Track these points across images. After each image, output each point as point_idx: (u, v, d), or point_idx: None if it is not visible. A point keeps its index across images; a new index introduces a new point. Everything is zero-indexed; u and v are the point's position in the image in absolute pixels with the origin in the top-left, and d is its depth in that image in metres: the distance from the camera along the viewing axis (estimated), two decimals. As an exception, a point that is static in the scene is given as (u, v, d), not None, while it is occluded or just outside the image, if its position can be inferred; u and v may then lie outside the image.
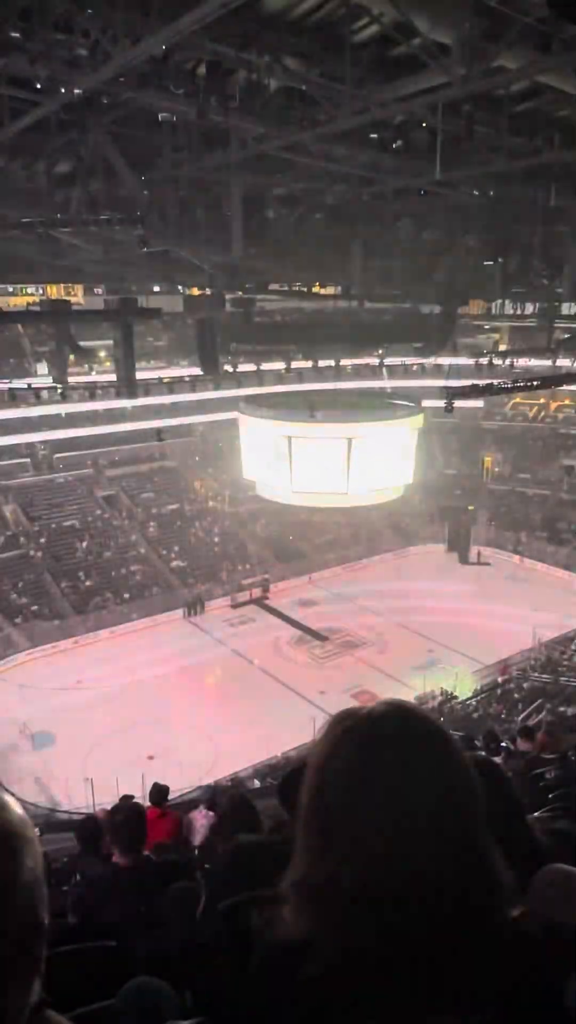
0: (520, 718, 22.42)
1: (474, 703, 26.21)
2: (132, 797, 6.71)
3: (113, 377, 16.91)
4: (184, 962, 1.90)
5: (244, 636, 32.38)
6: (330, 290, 19.21)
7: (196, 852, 5.61)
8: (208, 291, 15.52)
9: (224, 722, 25.16)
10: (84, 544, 36.84)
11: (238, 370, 22.49)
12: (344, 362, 29.27)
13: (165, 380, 20.89)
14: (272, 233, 13.90)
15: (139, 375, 16.59)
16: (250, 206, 13.19)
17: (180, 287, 18.12)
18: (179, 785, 14.70)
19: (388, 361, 29.36)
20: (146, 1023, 1.25)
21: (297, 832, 1.06)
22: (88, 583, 34.73)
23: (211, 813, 6.45)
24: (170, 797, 7.74)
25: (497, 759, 8.35)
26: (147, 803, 6.73)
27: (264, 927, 1.05)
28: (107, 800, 12.01)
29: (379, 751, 1.01)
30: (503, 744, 9.58)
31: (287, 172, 11.85)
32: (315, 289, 19.68)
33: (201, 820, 6.60)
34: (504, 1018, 0.95)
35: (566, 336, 23.19)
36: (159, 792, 7.21)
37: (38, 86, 8.37)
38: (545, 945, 1.06)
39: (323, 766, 1.05)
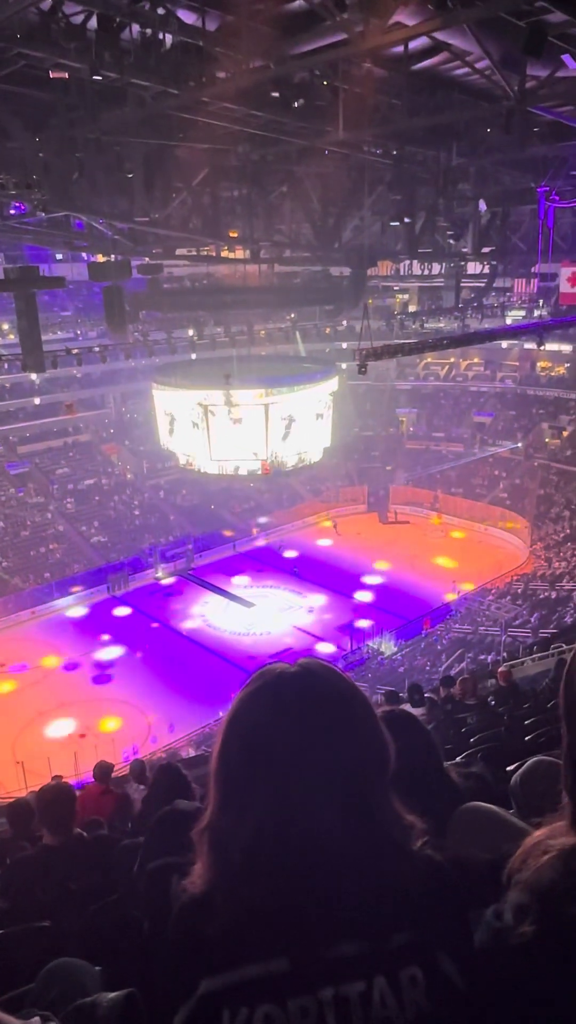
0: (443, 668, 23.25)
1: (400, 657, 26.96)
2: (61, 777, 6.64)
3: (18, 349, 16.30)
4: (113, 935, 1.91)
5: (171, 607, 32.24)
6: (239, 254, 18.95)
7: (130, 826, 5.60)
8: (113, 258, 15.06)
9: (157, 695, 25.11)
10: (-1, 524, 35.71)
11: (148, 338, 21.96)
12: (256, 327, 29.07)
13: (73, 351, 20.19)
14: (176, 196, 13.56)
15: (45, 346, 16.02)
16: (152, 167, 12.81)
17: (84, 255, 17.53)
18: (114, 761, 14.58)
19: (300, 325, 29.30)
20: (69, 1003, 1.25)
21: (208, 782, 1.11)
22: (4, 563, 33.74)
23: (142, 787, 6.45)
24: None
25: (421, 710, 8.65)
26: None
27: (181, 888, 1.08)
28: (41, 783, 11.84)
29: (282, 710, 1.06)
30: (427, 695, 9.92)
31: (188, 132, 11.53)
32: (223, 253, 19.36)
33: (134, 794, 6.60)
34: (418, 939, 1.00)
35: (471, 295, 23.65)
36: (102, 770, 7.16)
37: None
38: (457, 874, 1.12)
39: (232, 721, 1.10)
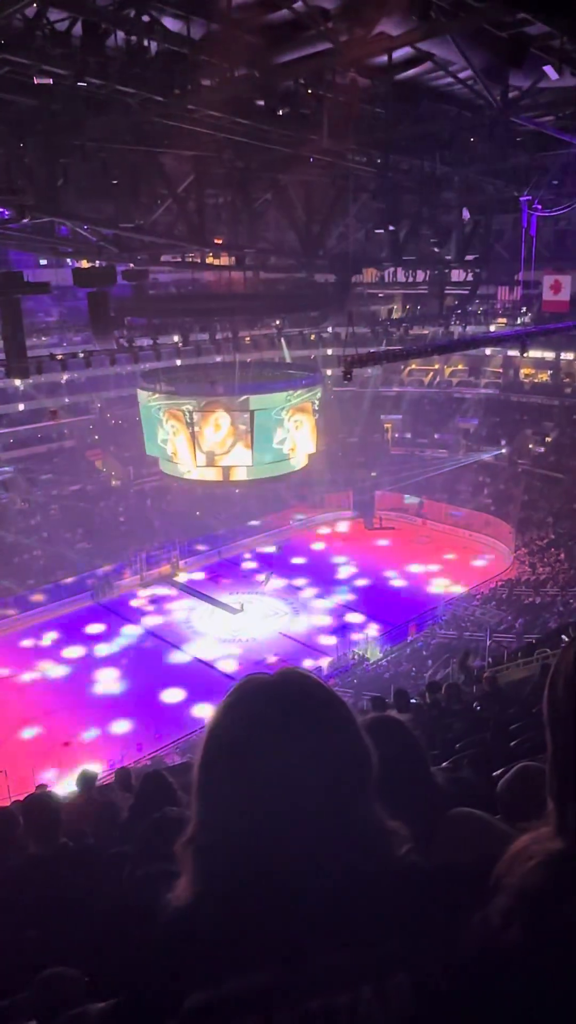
0: (428, 674, 23.29)
1: (385, 663, 26.98)
2: (46, 786, 6.59)
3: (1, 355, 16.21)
4: (100, 946, 1.90)
5: (156, 614, 32.10)
6: (224, 260, 18.99)
7: (116, 834, 5.57)
8: (98, 263, 15.05)
9: (141, 701, 24.98)
10: (-18, 531, 35.41)
11: (134, 345, 21.94)
12: (242, 333, 29.11)
13: (58, 357, 20.13)
14: (162, 202, 13.58)
15: (30, 352, 15.99)
16: (138, 174, 12.83)
17: (69, 260, 17.49)
18: (99, 769, 14.49)
19: (286, 332, 29.37)
20: (59, 1012, 1.25)
21: (190, 794, 1.11)
22: (-11, 571, 33.46)
23: (128, 795, 6.41)
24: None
25: (407, 716, 8.67)
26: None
27: (165, 901, 1.08)
28: (26, 792, 11.74)
29: (262, 720, 1.07)
30: (412, 700, 9.94)
31: (174, 139, 11.55)
32: (209, 260, 19.40)
33: (120, 803, 6.56)
34: (405, 947, 1.01)
35: (455, 303, 23.81)
36: (87, 778, 7.11)
37: None
38: (444, 879, 1.12)
39: (212, 732, 1.11)
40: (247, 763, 1.04)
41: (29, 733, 23.27)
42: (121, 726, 23.62)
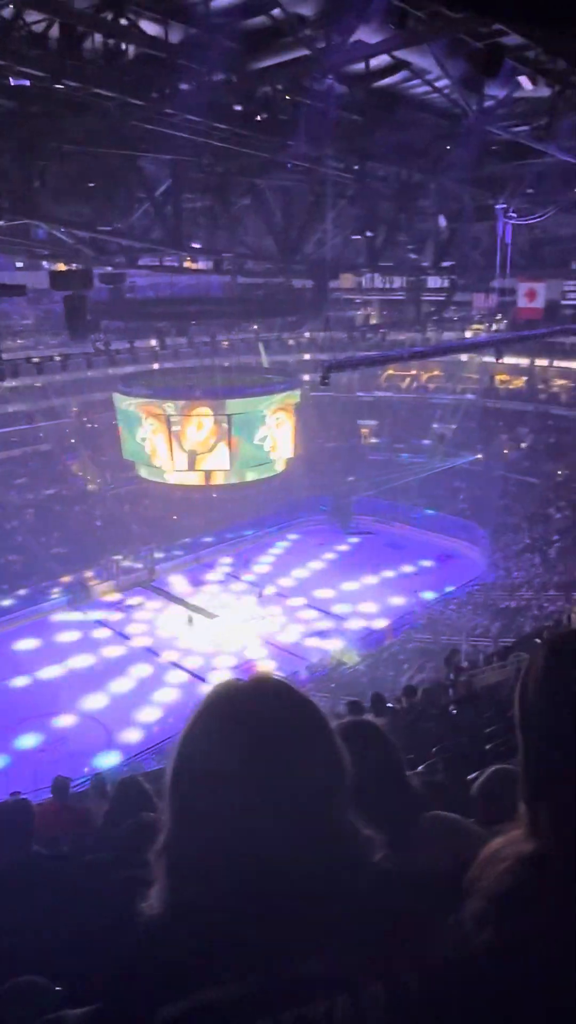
0: (405, 678, 23.37)
1: (363, 668, 27.04)
2: (19, 794, 6.52)
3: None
4: (73, 955, 1.88)
5: (132, 620, 31.90)
6: (202, 265, 18.99)
7: (91, 842, 5.52)
8: (75, 266, 14.97)
9: (116, 705, 24.81)
10: (-44, 535, 35.00)
11: (111, 348, 21.85)
12: (219, 337, 29.11)
13: (34, 360, 19.99)
14: (139, 206, 13.54)
15: (5, 355, 15.85)
16: (116, 177, 12.78)
17: (45, 263, 17.39)
18: (72, 775, 14.35)
19: (263, 336, 29.43)
20: (33, 1021, 1.23)
21: (163, 802, 1.10)
22: (-37, 576, 33.07)
23: (101, 800, 6.37)
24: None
25: (383, 720, 8.70)
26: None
27: (139, 910, 1.07)
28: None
29: (235, 726, 1.07)
30: (389, 704, 9.97)
31: (151, 143, 11.53)
32: (187, 264, 19.37)
33: (93, 809, 6.51)
34: (379, 955, 1.01)
35: (432, 309, 23.99)
36: (60, 785, 7.04)
37: None
38: (418, 885, 1.13)
39: (185, 738, 1.10)
40: (219, 770, 1.04)
41: (2, 739, 22.98)
42: (95, 732, 23.40)
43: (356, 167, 13.35)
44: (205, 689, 1.16)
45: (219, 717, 1.09)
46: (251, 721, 1.06)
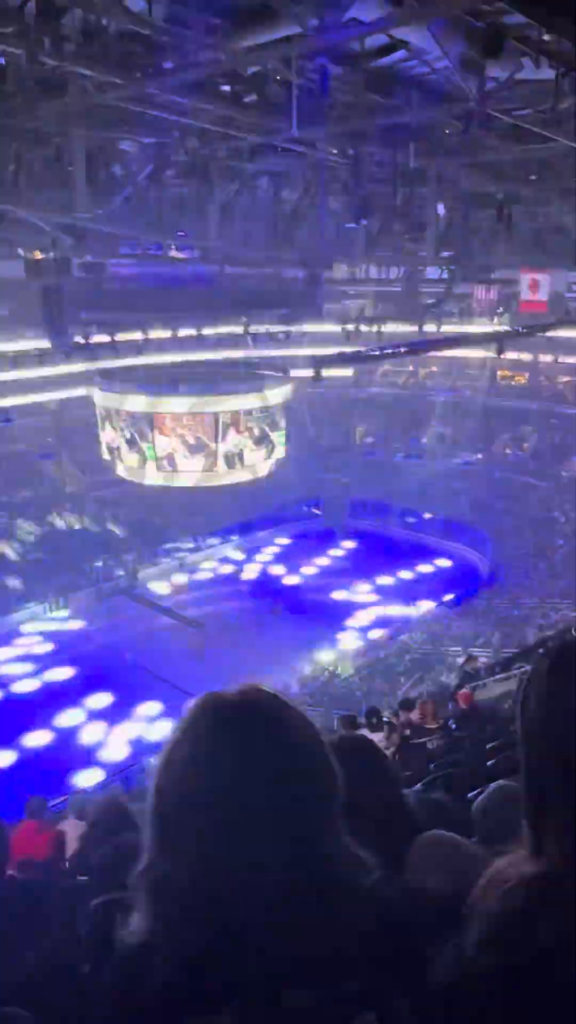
0: (403, 691, 23.39)
1: (357, 680, 27.02)
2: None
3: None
4: (49, 984, 1.88)
5: (112, 629, 31.74)
6: (187, 254, 18.99)
7: (67, 865, 5.50)
8: (52, 255, 14.94)
9: (96, 720, 24.71)
10: None
11: (91, 341, 21.80)
12: (206, 331, 29.09)
13: (8, 354, 19.94)
14: (121, 191, 13.54)
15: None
16: (95, 161, 12.78)
17: (20, 250, 17.33)
18: (47, 794, 14.29)
19: (252, 329, 29.42)
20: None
21: (145, 822, 1.09)
22: None
23: (81, 822, 6.35)
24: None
25: (379, 735, 8.71)
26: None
27: (119, 937, 1.07)
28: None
29: (220, 741, 1.05)
30: (384, 719, 9.98)
31: (134, 125, 11.54)
32: (172, 253, 19.37)
33: (71, 831, 6.48)
34: (372, 983, 1.01)
35: (431, 301, 24.07)
36: (36, 805, 7.01)
37: None
38: (414, 908, 1.13)
39: (169, 754, 1.09)
40: (204, 787, 1.03)
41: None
42: (73, 748, 23.31)
43: (351, 151, 13.40)
44: (190, 702, 1.15)
45: (203, 730, 1.07)
46: (238, 735, 1.05)
